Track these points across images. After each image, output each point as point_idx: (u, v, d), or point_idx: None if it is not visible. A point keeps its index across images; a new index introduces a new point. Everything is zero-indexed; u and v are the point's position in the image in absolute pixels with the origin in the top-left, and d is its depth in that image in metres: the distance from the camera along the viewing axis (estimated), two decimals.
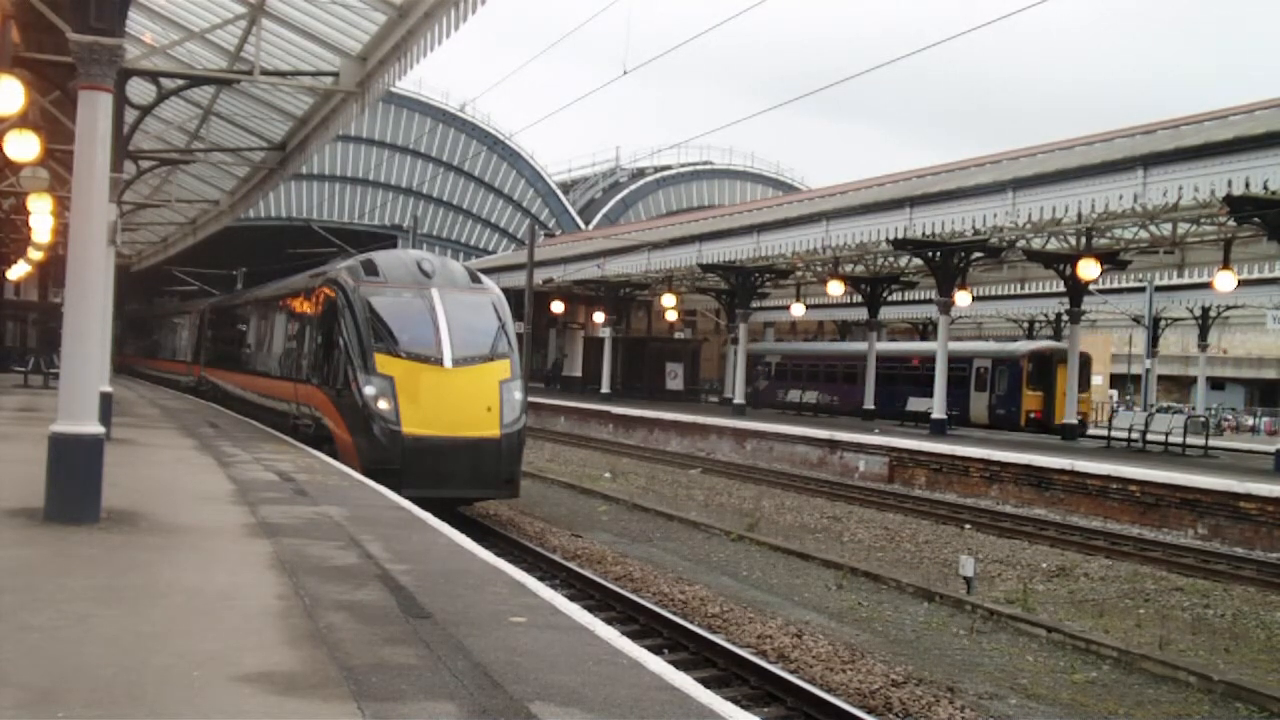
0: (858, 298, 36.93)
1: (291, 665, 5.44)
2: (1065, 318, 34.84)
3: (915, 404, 34.27)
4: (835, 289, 34.17)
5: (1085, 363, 34.45)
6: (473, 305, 16.33)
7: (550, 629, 6.61)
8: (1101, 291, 34.47)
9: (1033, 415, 34.15)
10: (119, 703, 4.77)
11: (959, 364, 34.96)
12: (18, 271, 37.58)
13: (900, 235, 25.77)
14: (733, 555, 15.46)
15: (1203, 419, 31.25)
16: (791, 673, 9.19)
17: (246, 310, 26.30)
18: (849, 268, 35.59)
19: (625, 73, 20.69)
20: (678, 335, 59.78)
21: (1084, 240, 27.39)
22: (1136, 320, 41.38)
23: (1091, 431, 31.90)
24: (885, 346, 40.78)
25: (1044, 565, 15.23)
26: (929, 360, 34.33)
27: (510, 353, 16.05)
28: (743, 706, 7.22)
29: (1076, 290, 29.39)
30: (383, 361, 15.23)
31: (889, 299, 37.43)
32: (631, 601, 11.50)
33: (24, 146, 13.05)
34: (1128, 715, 8.99)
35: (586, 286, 43.55)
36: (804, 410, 38.65)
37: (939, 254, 27.66)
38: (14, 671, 5.09)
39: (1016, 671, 10.08)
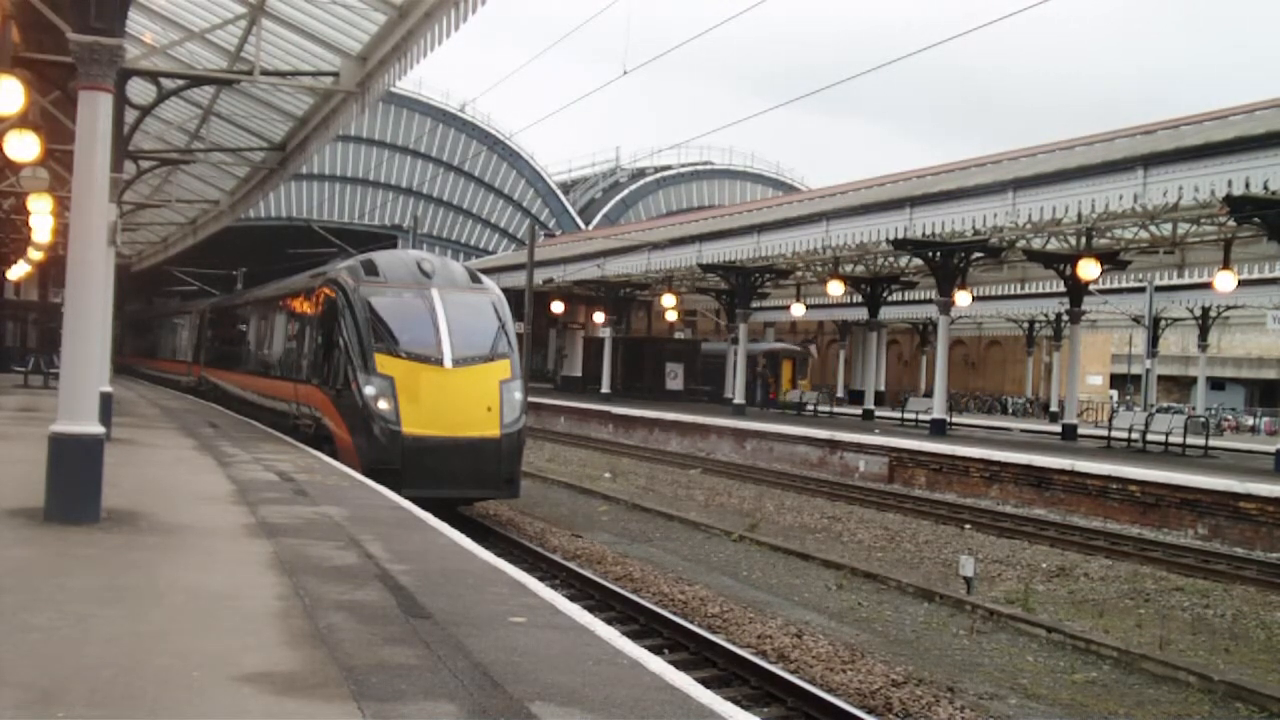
0: (858, 298, 36.97)
1: (291, 665, 5.44)
2: (1065, 318, 34.92)
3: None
4: (835, 289, 34.18)
5: (803, 359, 51.30)
6: (473, 305, 16.32)
7: (550, 629, 6.61)
8: (1101, 291, 34.46)
9: (768, 395, 45.39)
10: (119, 703, 4.77)
11: (720, 358, 47.71)
12: (18, 271, 37.57)
13: (900, 235, 25.75)
14: (733, 555, 15.45)
15: (1203, 419, 31.24)
16: (791, 673, 9.19)
17: (246, 310, 26.30)
18: (849, 268, 35.59)
19: (625, 73, 20.71)
20: (678, 335, 59.77)
21: (1084, 240, 27.38)
22: (1136, 320, 41.38)
23: (1090, 431, 31.92)
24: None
25: (1044, 565, 15.23)
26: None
27: (510, 353, 16.04)
28: (743, 706, 7.21)
29: (1076, 290, 29.38)
30: (383, 361, 15.23)
31: (889, 299, 37.49)
32: (631, 601, 11.50)
33: (24, 146, 13.04)
34: (1128, 715, 8.99)
35: (586, 286, 43.53)
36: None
37: (939, 254, 27.65)
38: (14, 671, 5.09)
39: (1017, 671, 10.08)
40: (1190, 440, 25.67)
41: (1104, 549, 16.58)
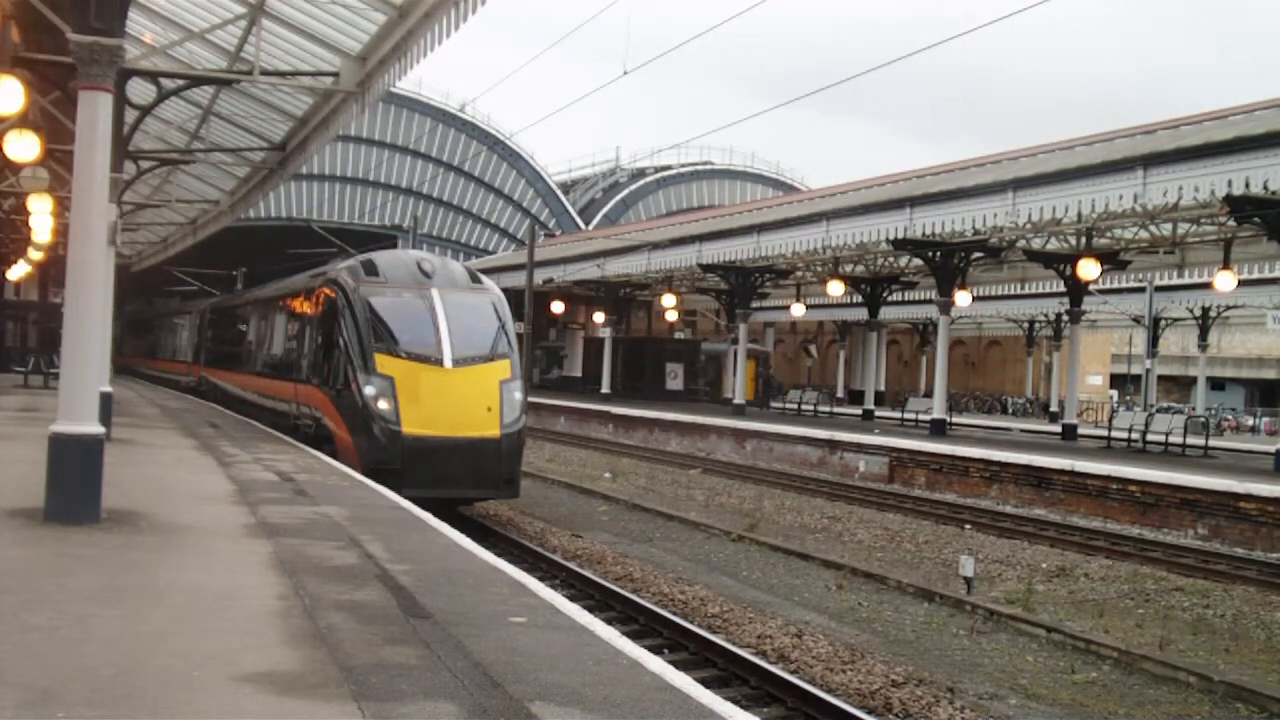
0: (858, 298, 36.97)
1: (291, 665, 5.44)
2: (1065, 318, 34.92)
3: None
4: (835, 289, 34.18)
5: (765, 358, 53.76)
6: (473, 305, 16.33)
7: (550, 629, 6.61)
8: (1101, 291, 34.46)
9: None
10: (119, 703, 4.77)
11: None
12: (18, 271, 37.56)
13: (900, 235, 25.74)
14: (733, 555, 15.45)
15: (1203, 419, 31.24)
16: (791, 673, 9.19)
17: (246, 310, 26.31)
18: (849, 268, 35.59)
19: (625, 73, 20.71)
20: (678, 335, 59.78)
21: (1084, 240, 27.38)
22: (1136, 320, 41.38)
23: (1090, 431, 31.93)
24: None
25: (1044, 565, 15.23)
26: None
27: (510, 353, 16.05)
28: (743, 706, 7.21)
29: (1076, 290, 29.37)
30: (383, 361, 15.23)
31: (889, 299, 37.48)
32: (631, 602, 11.50)
33: (24, 146, 13.05)
34: (1128, 715, 8.99)
35: (586, 286, 43.52)
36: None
37: (939, 254, 27.64)
38: (14, 671, 5.09)
39: (1017, 672, 10.08)
40: (1190, 440, 25.67)
41: (1104, 549, 16.58)
